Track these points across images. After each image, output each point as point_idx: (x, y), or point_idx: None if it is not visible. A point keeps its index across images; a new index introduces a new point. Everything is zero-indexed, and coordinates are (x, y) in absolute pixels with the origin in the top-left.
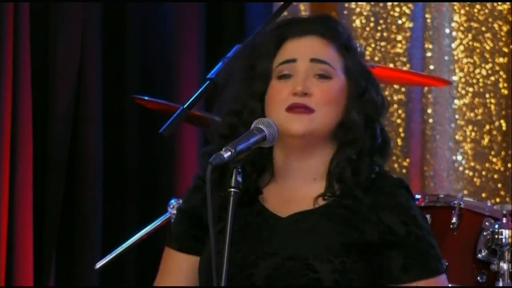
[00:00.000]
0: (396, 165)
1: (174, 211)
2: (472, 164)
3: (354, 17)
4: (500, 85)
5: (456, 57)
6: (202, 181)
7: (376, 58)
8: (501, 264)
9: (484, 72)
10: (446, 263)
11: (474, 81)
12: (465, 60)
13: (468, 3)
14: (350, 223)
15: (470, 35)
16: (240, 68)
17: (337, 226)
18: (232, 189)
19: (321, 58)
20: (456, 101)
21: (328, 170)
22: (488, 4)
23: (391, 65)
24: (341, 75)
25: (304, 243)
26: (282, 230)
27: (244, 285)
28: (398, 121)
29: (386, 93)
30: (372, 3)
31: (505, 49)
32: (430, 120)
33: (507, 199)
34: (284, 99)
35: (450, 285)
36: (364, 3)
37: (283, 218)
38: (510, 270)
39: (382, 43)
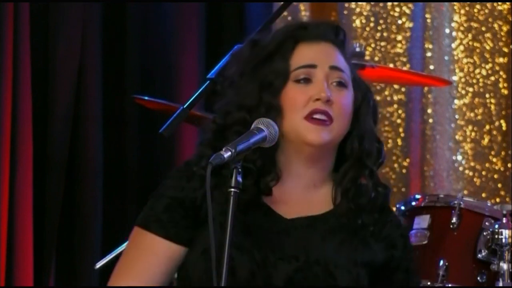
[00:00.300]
0: (396, 165)
1: None
2: (472, 164)
3: (354, 17)
4: (500, 85)
5: (456, 57)
6: (203, 170)
7: (376, 58)
8: (501, 264)
9: (484, 72)
10: (446, 263)
11: (474, 81)
12: (465, 60)
13: (468, 3)
14: (359, 237)
15: (470, 35)
16: (251, 64)
17: (350, 238)
18: (232, 189)
19: (339, 66)
20: (456, 101)
21: (340, 181)
22: (488, 4)
23: (391, 65)
24: (351, 86)
25: (325, 250)
26: (296, 233)
27: (261, 285)
28: (398, 121)
29: (386, 93)
30: (372, 3)
31: (505, 49)
32: (430, 120)
33: (507, 199)
34: (303, 104)
35: (450, 285)
36: (364, 3)
37: (289, 220)
38: (510, 270)
39: (382, 43)
